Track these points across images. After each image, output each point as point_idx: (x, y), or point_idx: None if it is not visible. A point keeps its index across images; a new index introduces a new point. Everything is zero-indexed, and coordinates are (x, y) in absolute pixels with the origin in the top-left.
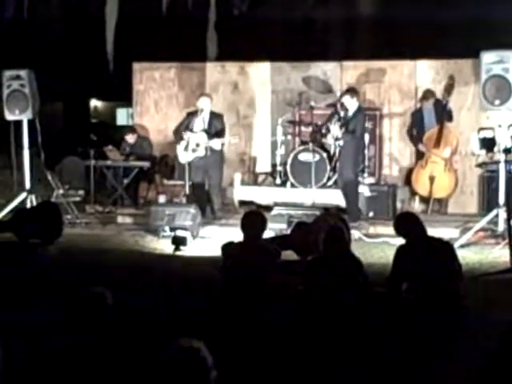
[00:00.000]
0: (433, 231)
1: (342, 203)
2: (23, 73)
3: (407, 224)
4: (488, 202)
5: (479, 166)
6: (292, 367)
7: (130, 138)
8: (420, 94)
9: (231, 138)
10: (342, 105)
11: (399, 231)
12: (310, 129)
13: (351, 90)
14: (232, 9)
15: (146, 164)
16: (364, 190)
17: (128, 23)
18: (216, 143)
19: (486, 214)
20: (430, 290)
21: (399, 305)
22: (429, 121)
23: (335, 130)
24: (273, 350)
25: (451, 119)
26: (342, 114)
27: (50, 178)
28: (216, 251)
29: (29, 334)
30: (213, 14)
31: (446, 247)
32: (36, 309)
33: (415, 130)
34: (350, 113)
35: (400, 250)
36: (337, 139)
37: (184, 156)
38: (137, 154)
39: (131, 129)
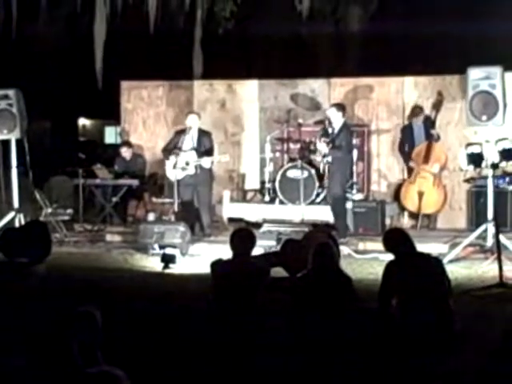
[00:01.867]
0: (422, 247)
1: (331, 219)
2: (11, 92)
3: (396, 240)
4: (477, 216)
5: (467, 181)
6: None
7: (125, 152)
8: (408, 111)
9: (222, 157)
10: (330, 122)
11: (388, 247)
12: (298, 146)
13: (338, 105)
14: (218, 27)
15: (134, 182)
16: (352, 206)
17: (116, 42)
18: (206, 162)
19: (474, 229)
20: (419, 306)
21: (388, 321)
22: (418, 136)
23: (322, 146)
24: (262, 365)
25: (438, 139)
26: (329, 130)
27: (38, 196)
28: (205, 269)
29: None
30: (198, 32)
31: (434, 263)
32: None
33: (405, 146)
34: (336, 129)
35: (389, 267)
36: (324, 156)
37: (173, 174)
38: (129, 172)
39: (127, 143)
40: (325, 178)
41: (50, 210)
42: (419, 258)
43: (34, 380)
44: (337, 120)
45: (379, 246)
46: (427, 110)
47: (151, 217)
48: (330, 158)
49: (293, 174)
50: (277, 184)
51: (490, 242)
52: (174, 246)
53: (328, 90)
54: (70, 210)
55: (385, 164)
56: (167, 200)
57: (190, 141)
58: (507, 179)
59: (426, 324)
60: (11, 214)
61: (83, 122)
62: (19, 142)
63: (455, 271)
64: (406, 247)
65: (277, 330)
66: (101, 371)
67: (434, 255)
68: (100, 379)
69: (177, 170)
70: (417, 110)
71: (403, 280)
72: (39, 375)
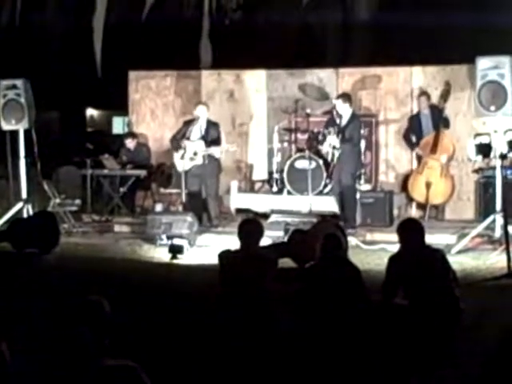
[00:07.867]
0: (430, 237)
1: (339, 210)
2: (19, 82)
3: (406, 231)
4: (485, 207)
5: (476, 171)
6: (290, 375)
7: (130, 143)
8: (416, 100)
9: (229, 146)
10: (337, 112)
11: (398, 236)
12: (306, 136)
13: (343, 96)
14: (224, 18)
15: (142, 172)
16: (359, 197)
17: (124, 32)
18: (216, 151)
19: (483, 219)
20: (424, 298)
21: (394, 312)
22: (426, 126)
23: (332, 139)
24: (271, 357)
25: (448, 126)
26: (337, 121)
27: (46, 187)
28: (213, 259)
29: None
30: (206, 23)
31: (437, 255)
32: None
33: (413, 135)
34: (345, 120)
35: (391, 260)
36: (334, 148)
37: (181, 164)
38: (135, 162)
39: (131, 134)
40: (333, 169)
41: (57, 201)
42: (421, 250)
43: (46, 371)
44: (344, 111)
45: (387, 236)
46: (434, 100)
47: (159, 207)
48: (339, 150)
49: (301, 164)
50: (285, 174)
51: (498, 232)
52: (181, 237)
53: (336, 80)
54: (77, 201)
55: (393, 154)
56: (175, 190)
57: (198, 131)
58: None
59: (431, 316)
60: (19, 205)
61: (91, 112)
62: (27, 133)
63: (463, 262)
64: (415, 241)
65: (284, 321)
66: (120, 364)
67: (435, 247)
68: (120, 371)
69: (185, 160)
70: (420, 96)
71: (406, 273)
72: (51, 367)
